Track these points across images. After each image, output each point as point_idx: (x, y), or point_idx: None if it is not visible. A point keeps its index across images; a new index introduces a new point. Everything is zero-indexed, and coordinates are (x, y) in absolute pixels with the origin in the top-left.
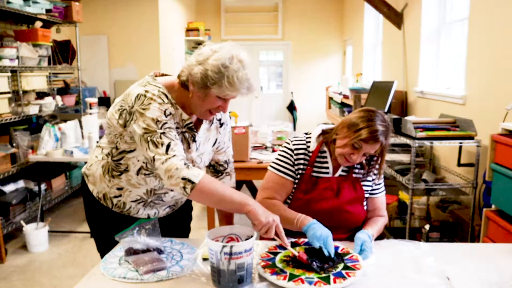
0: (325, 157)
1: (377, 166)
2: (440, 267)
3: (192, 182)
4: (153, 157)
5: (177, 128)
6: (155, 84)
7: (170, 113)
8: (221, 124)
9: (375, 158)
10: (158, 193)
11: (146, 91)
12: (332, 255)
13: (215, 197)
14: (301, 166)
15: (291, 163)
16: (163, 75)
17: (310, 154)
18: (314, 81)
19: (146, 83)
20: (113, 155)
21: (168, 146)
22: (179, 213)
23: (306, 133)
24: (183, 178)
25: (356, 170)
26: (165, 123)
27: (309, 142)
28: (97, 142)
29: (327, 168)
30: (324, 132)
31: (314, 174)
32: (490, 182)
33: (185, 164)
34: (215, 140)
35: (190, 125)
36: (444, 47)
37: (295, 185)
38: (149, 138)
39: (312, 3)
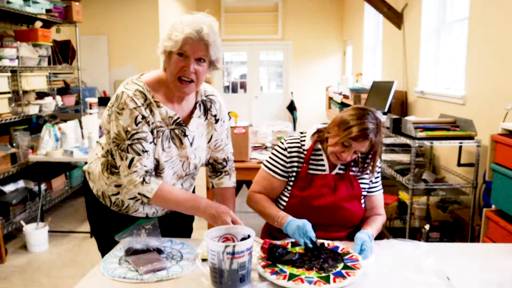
0: (320, 155)
1: (372, 163)
2: (440, 267)
3: (147, 197)
4: (120, 166)
5: (160, 127)
6: (136, 81)
7: (144, 117)
8: (217, 120)
9: (370, 156)
10: None
11: (122, 92)
12: (314, 239)
13: (171, 207)
14: (295, 164)
15: (283, 162)
16: None
17: (305, 152)
18: (314, 81)
19: (129, 81)
20: (112, 153)
21: (132, 161)
22: (181, 213)
23: (302, 132)
24: (139, 193)
25: (354, 168)
26: (135, 133)
27: (304, 140)
28: (98, 140)
29: (323, 165)
30: (318, 131)
31: (310, 171)
32: (490, 182)
33: (143, 179)
34: (211, 137)
35: (178, 120)
36: (444, 47)
37: (291, 183)
38: (117, 147)
39: (312, 3)
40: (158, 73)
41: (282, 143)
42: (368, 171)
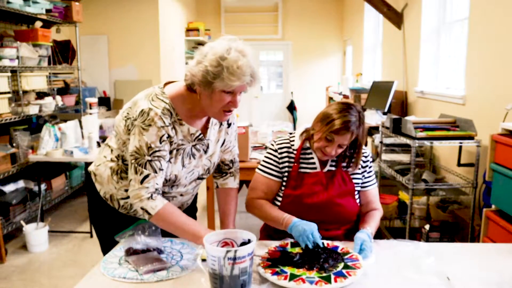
0: (310, 153)
1: (357, 156)
2: (440, 267)
3: (149, 214)
4: (131, 180)
5: (182, 144)
6: (163, 98)
7: (169, 136)
8: (229, 125)
9: (357, 150)
10: (166, 196)
11: (150, 109)
12: (320, 244)
13: (170, 228)
14: (286, 164)
15: (275, 163)
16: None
17: (295, 152)
18: (314, 81)
19: (154, 96)
20: (123, 159)
21: (146, 177)
22: (182, 212)
23: (291, 133)
24: (142, 208)
25: (344, 164)
26: (157, 150)
27: (293, 140)
28: (100, 141)
29: (314, 163)
30: (306, 130)
31: (302, 170)
32: (490, 182)
33: (151, 195)
34: (224, 141)
35: (199, 136)
36: (444, 47)
37: (284, 183)
38: (134, 161)
39: (312, 3)
40: (180, 87)
41: (273, 145)
42: (355, 165)
